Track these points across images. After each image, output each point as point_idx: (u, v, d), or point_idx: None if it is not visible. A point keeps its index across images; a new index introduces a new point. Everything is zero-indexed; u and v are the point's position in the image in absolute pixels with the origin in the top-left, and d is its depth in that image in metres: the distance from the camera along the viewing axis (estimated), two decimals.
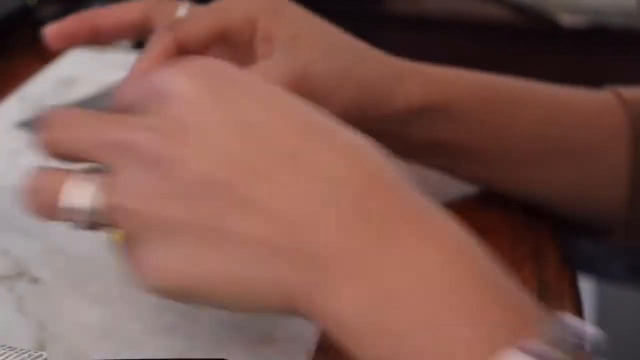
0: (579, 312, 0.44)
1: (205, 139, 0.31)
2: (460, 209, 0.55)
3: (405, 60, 0.47)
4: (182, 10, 0.48)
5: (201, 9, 0.47)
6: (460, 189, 0.53)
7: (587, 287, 1.41)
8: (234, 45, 0.46)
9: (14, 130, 0.58)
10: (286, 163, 0.30)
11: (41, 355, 0.35)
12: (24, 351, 0.35)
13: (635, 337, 1.38)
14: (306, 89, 0.43)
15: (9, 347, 0.36)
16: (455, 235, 0.31)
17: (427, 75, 0.47)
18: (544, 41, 1.25)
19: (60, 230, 0.46)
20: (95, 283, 0.41)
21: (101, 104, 0.61)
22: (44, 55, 0.70)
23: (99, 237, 0.46)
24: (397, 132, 0.47)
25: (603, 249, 1.38)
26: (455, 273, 0.29)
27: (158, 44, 0.45)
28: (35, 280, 0.41)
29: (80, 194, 0.33)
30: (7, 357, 0.35)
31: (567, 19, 1.20)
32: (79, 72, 0.68)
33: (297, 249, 0.29)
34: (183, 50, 0.44)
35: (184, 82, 0.32)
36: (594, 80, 0.56)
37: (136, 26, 0.48)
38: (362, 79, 0.45)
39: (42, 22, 0.79)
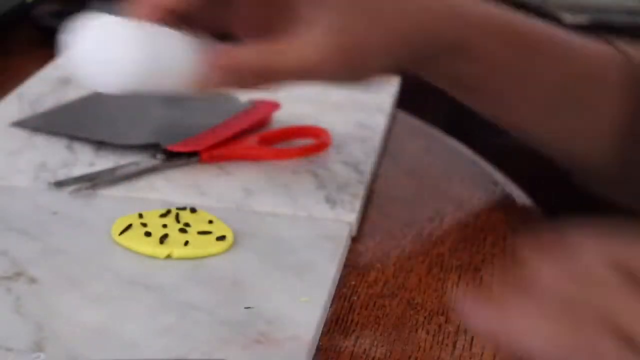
0: None
1: None
2: (461, 209, 0.55)
3: None
4: None
5: None
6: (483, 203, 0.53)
7: None
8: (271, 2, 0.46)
9: (12, 130, 0.57)
10: None
11: (39, 356, 0.35)
12: (22, 352, 0.35)
13: None
14: (352, 55, 0.45)
15: (6, 348, 0.36)
16: None
17: (458, 18, 0.47)
18: None
19: (58, 231, 0.46)
20: (94, 283, 0.41)
21: (99, 103, 0.61)
22: (42, 55, 0.70)
23: (98, 237, 0.46)
24: (421, 67, 0.48)
25: None
26: None
27: None
28: (33, 281, 0.41)
29: None
30: (5, 357, 0.35)
31: (569, 17, 1.19)
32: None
33: None
34: None
35: None
36: None
37: None
38: (402, 35, 0.46)
39: (40, 21, 0.79)
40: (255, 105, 0.59)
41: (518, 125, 0.51)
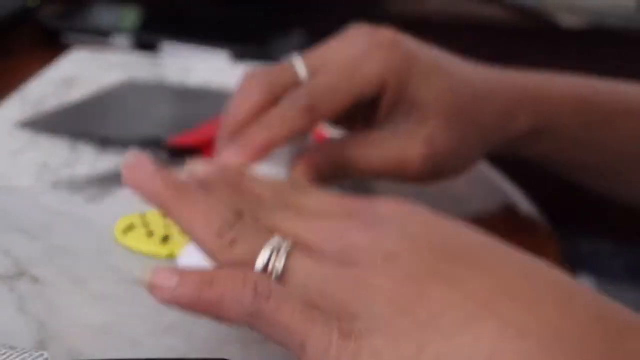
0: None
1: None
2: (461, 210, 0.55)
3: (512, 80, 0.49)
4: (301, 70, 0.46)
5: (328, 67, 0.45)
6: (483, 203, 0.53)
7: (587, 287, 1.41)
8: (360, 104, 0.46)
9: (14, 131, 0.58)
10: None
11: (42, 354, 0.35)
12: (24, 351, 0.35)
13: None
14: (433, 159, 0.46)
15: (10, 347, 0.36)
16: None
17: (534, 103, 0.49)
18: (543, 41, 1.25)
19: (60, 231, 0.46)
20: (96, 283, 0.41)
21: (100, 106, 0.61)
22: (44, 56, 0.70)
23: (100, 237, 0.46)
24: (507, 153, 0.50)
25: (603, 248, 1.38)
26: None
27: (292, 121, 0.44)
28: (35, 280, 0.41)
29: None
30: (7, 356, 0.35)
31: (567, 20, 1.20)
32: (79, 72, 0.68)
33: None
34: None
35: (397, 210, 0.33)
36: None
37: (266, 108, 0.45)
38: (480, 132, 0.48)
39: (42, 23, 0.79)
40: None
41: (610, 190, 0.54)
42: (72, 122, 0.59)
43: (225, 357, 0.36)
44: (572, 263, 0.48)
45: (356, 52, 0.46)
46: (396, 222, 0.33)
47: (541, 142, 0.50)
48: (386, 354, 0.28)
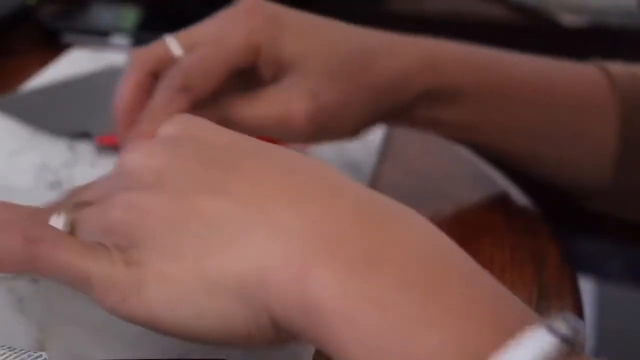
0: (579, 312, 0.44)
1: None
2: (461, 209, 0.55)
3: (412, 42, 0.48)
4: (175, 47, 0.46)
5: (199, 43, 0.46)
6: (483, 203, 0.53)
7: (587, 287, 1.41)
8: (237, 72, 0.46)
9: (14, 131, 0.58)
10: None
11: (41, 355, 0.35)
12: (23, 351, 0.35)
13: (635, 337, 1.38)
14: (319, 115, 0.45)
15: (9, 348, 0.36)
16: (432, 233, 0.30)
17: (434, 65, 0.48)
18: (544, 41, 1.24)
19: None
20: None
21: (65, 93, 0.62)
22: (44, 56, 0.70)
23: None
24: (400, 114, 0.49)
25: (603, 248, 1.37)
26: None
27: (170, 105, 0.44)
28: (35, 281, 0.41)
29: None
30: (6, 357, 0.35)
31: (568, 19, 1.20)
32: (78, 72, 0.68)
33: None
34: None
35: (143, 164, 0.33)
36: None
37: (150, 88, 0.46)
38: (372, 89, 0.47)
39: (42, 23, 0.79)
40: None
41: (511, 158, 0.52)
42: (29, 107, 0.59)
43: (225, 357, 0.36)
44: (572, 263, 0.48)
45: (223, 24, 0.46)
46: (168, 144, 0.33)
47: (436, 108, 0.49)
48: (170, 274, 0.29)
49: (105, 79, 0.65)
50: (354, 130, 0.48)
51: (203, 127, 0.34)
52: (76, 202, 0.34)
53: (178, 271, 0.29)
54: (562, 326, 0.25)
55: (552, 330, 0.24)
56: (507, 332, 0.25)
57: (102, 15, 0.83)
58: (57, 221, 0.33)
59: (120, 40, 0.78)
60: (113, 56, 0.73)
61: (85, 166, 0.53)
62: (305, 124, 0.45)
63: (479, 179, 0.56)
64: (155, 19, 0.85)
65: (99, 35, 0.78)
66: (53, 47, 0.75)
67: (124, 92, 0.46)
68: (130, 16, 0.83)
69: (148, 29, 0.80)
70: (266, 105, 0.45)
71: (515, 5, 1.24)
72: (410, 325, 0.26)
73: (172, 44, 0.46)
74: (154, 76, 0.46)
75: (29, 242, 0.31)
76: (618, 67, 0.51)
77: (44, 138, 0.56)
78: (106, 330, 0.38)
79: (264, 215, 0.29)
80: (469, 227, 0.50)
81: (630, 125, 0.49)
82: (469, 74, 0.48)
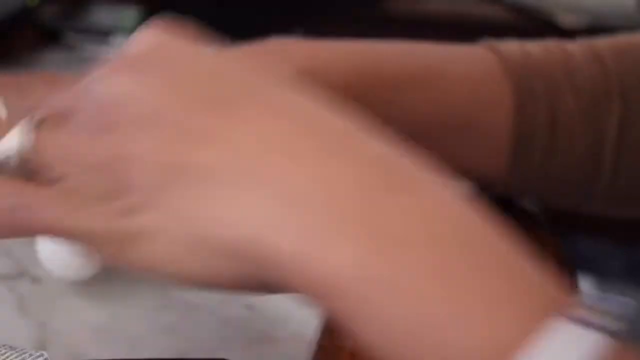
0: None
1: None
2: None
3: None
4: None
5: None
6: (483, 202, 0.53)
7: (587, 287, 1.41)
8: None
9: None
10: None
11: (42, 354, 0.35)
12: (24, 351, 0.35)
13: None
14: None
15: (10, 347, 0.36)
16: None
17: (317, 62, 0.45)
18: (543, 41, 1.25)
19: None
20: (96, 283, 0.42)
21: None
22: (45, 56, 0.70)
23: None
24: None
25: (603, 248, 1.38)
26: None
27: None
28: (36, 280, 0.41)
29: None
30: (7, 356, 0.35)
31: (567, 19, 1.20)
32: None
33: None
34: None
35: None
36: None
37: None
38: None
39: (43, 23, 0.79)
40: None
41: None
42: None
43: (225, 357, 0.36)
44: (572, 263, 0.48)
45: None
46: (160, 67, 0.29)
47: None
48: (170, 227, 0.27)
49: None
50: None
51: (194, 52, 0.31)
52: (42, 116, 0.30)
53: (175, 226, 0.27)
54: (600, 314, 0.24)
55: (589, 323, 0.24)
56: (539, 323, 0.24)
57: (103, 16, 0.83)
58: (11, 140, 0.30)
59: (120, 40, 0.78)
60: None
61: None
62: None
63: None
64: (156, 19, 0.85)
65: (99, 36, 0.78)
66: (54, 48, 0.75)
67: None
68: (131, 16, 0.83)
69: None
70: None
71: (514, 6, 1.24)
72: (440, 314, 0.24)
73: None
74: None
75: (9, 212, 0.28)
76: (509, 50, 0.48)
77: None
78: (106, 330, 0.38)
79: (268, 171, 0.26)
80: None
81: (524, 111, 0.46)
82: (355, 78, 0.44)
